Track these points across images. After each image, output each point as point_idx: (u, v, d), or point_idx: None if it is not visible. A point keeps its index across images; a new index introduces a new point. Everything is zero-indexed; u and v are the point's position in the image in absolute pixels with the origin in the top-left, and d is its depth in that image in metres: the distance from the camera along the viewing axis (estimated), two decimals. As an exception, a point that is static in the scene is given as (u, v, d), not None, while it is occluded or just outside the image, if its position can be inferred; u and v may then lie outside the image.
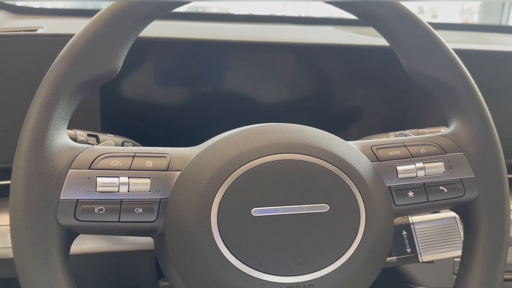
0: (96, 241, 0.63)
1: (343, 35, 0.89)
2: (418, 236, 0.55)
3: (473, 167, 0.46)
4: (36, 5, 0.88)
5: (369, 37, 0.81)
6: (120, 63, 0.43)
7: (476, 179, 0.46)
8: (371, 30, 0.50)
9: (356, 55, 0.77)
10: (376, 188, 0.43)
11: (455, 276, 0.68)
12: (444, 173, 0.46)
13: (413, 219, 0.56)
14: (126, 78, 0.72)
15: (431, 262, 0.69)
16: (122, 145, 0.60)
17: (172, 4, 0.44)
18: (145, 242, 0.64)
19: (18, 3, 0.87)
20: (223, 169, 0.40)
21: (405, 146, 0.47)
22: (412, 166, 0.45)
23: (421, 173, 0.45)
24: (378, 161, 0.45)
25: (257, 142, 0.42)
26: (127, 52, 0.43)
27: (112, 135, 0.60)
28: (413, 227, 0.56)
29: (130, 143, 0.61)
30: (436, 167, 0.46)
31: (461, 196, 0.46)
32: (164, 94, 0.74)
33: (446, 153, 0.47)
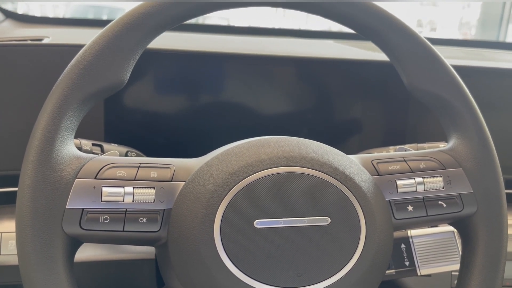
0: (96, 249, 0.63)
1: (343, 49, 0.90)
2: (416, 249, 0.56)
3: (471, 182, 0.47)
4: (39, 14, 0.89)
5: (369, 52, 0.82)
6: (127, 75, 0.44)
7: (474, 195, 0.47)
8: (371, 44, 0.51)
9: (356, 70, 0.78)
10: (376, 202, 0.44)
11: (452, 290, 0.68)
12: (443, 188, 0.47)
13: (412, 232, 0.57)
14: (129, 88, 0.72)
15: (429, 275, 0.70)
16: (126, 154, 0.61)
17: (180, 17, 0.44)
18: (146, 251, 0.65)
19: (20, 11, 0.88)
20: (227, 181, 0.41)
21: (405, 161, 0.47)
22: (411, 181, 0.46)
23: (420, 188, 0.46)
24: (379, 175, 0.46)
25: (260, 155, 0.42)
26: (134, 64, 0.44)
27: (116, 144, 0.61)
28: (412, 241, 0.57)
29: (134, 153, 0.62)
30: (436, 182, 0.47)
31: (459, 211, 0.47)
32: (166, 105, 0.75)
33: (445, 169, 0.47)
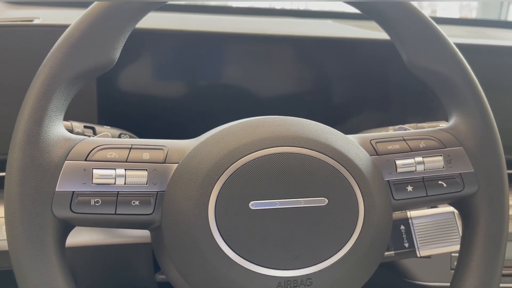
0: (92, 234, 0.62)
1: (342, 29, 0.88)
2: (416, 230, 0.55)
3: (472, 161, 0.46)
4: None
5: (369, 31, 0.81)
6: (117, 54, 0.42)
7: (475, 174, 0.46)
8: (371, 24, 0.49)
9: (355, 49, 0.77)
10: (374, 182, 0.43)
11: (452, 271, 0.68)
12: (443, 168, 0.46)
13: (411, 213, 0.56)
14: (123, 70, 0.71)
15: (429, 257, 0.69)
16: (119, 137, 0.60)
17: None
18: (142, 235, 0.64)
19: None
20: (221, 162, 0.40)
21: (404, 140, 0.46)
22: (411, 160, 0.45)
23: (420, 168, 0.45)
24: (377, 155, 0.45)
25: (256, 135, 0.41)
26: (124, 43, 0.43)
27: (109, 127, 0.59)
28: (411, 222, 0.56)
29: (127, 135, 0.60)
30: (436, 162, 0.46)
31: (460, 191, 0.46)
32: (162, 86, 0.73)
33: (446, 148, 0.46)
